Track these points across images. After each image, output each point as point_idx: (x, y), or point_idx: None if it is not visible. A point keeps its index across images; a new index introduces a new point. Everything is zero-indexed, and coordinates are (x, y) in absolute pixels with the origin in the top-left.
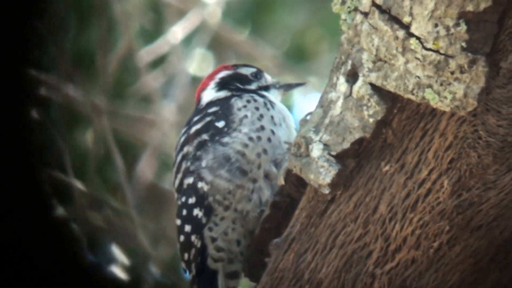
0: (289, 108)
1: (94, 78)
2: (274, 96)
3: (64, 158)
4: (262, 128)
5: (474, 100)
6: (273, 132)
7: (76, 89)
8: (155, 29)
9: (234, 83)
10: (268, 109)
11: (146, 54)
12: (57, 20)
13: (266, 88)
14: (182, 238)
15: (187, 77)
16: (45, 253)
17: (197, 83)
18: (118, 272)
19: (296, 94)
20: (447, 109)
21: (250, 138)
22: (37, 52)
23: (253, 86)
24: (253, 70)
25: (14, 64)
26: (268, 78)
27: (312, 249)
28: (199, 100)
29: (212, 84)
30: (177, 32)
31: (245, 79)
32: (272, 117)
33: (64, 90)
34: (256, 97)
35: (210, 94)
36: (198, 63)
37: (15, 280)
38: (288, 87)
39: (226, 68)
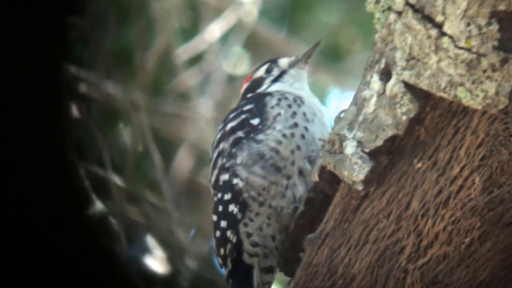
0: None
1: (133, 75)
2: (292, 76)
3: (103, 154)
4: (296, 125)
5: (505, 98)
6: (306, 128)
7: (115, 86)
8: (192, 27)
9: (255, 90)
10: (299, 106)
11: (183, 52)
12: (97, 18)
13: (279, 77)
14: (218, 233)
15: (224, 75)
16: (83, 247)
17: (233, 81)
18: (156, 265)
19: (331, 92)
20: (479, 107)
21: (284, 135)
22: (78, 49)
23: (264, 86)
24: (265, 66)
25: (55, 61)
26: (283, 64)
27: (346, 245)
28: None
29: (242, 101)
30: (214, 30)
31: (260, 81)
32: (304, 113)
33: (104, 87)
34: (286, 95)
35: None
36: (234, 61)
37: (53, 273)
38: (307, 56)
39: (247, 80)
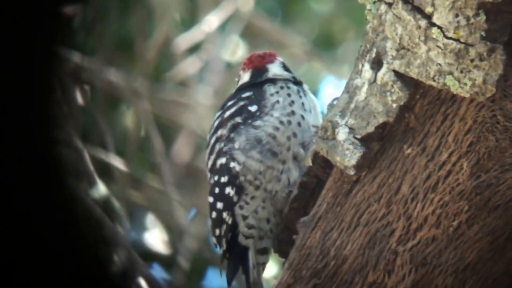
0: (315, 94)
1: (134, 63)
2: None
3: (106, 138)
4: (293, 113)
5: (492, 87)
6: (302, 117)
7: (117, 73)
8: (191, 17)
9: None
10: (300, 97)
11: (182, 41)
12: (99, 8)
13: (300, 83)
14: (214, 214)
15: (222, 63)
16: (86, 227)
17: (231, 69)
18: (156, 245)
19: (325, 79)
20: (467, 95)
21: (281, 122)
22: (81, 38)
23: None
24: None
25: (59, 49)
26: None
27: (338, 227)
28: (264, 68)
29: (278, 62)
30: (212, 20)
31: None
32: (303, 103)
33: (106, 75)
34: (290, 84)
35: (278, 69)
36: (231, 50)
37: (55, 253)
38: None
39: (273, 57)
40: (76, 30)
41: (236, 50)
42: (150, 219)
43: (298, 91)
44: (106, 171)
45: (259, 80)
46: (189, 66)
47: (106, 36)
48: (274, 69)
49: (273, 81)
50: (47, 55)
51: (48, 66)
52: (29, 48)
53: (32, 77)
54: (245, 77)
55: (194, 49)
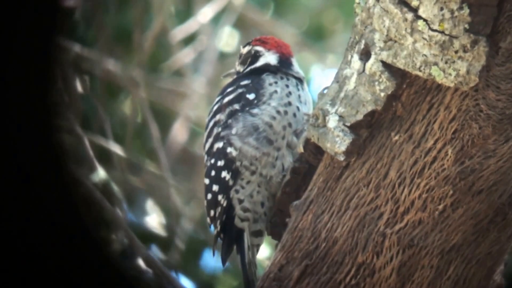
0: (307, 82)
1: (132, 53)
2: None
3: (105, 125)
4: (290, 103)
5: (475, 77)
6: (298, 108)
7: (116, 63)
8: (186, 10)
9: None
10: (298, 90)
11: (178, 32)
12: (99, 1)
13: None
14: (209, 196)
15: (215, 53)
16: (86, 210)
17: (224, 59)
18: (154, 227)
19: (314, 70)
20: (451, 85)
21: (278, 112)
22: (81, 30)
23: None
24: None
25: (60, 40)
26: None
27: (329, 211)
28: (289, 61)
29: (295, 59)
30: (206, 12)
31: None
32: (299, 96)
33: (105, 65)
34: (289, 77)
35: (297, 66)
36: (225, 40)
37: (56, 234)
38: None
39: (288, 52)
40: (77, 22)
41: (229, 41)
42: (150, 204)
43: (297, 84)
44: (105, 157)
45: (285, 71)
46: (184, 57)
47: (106, 28)
48: (296, 65)
49: (272, 71)
50: (49, 46)
51: (50, 56)
52: (32, 39)
53: (35, 66)
54: (270, 58)
55: (189, 40)
